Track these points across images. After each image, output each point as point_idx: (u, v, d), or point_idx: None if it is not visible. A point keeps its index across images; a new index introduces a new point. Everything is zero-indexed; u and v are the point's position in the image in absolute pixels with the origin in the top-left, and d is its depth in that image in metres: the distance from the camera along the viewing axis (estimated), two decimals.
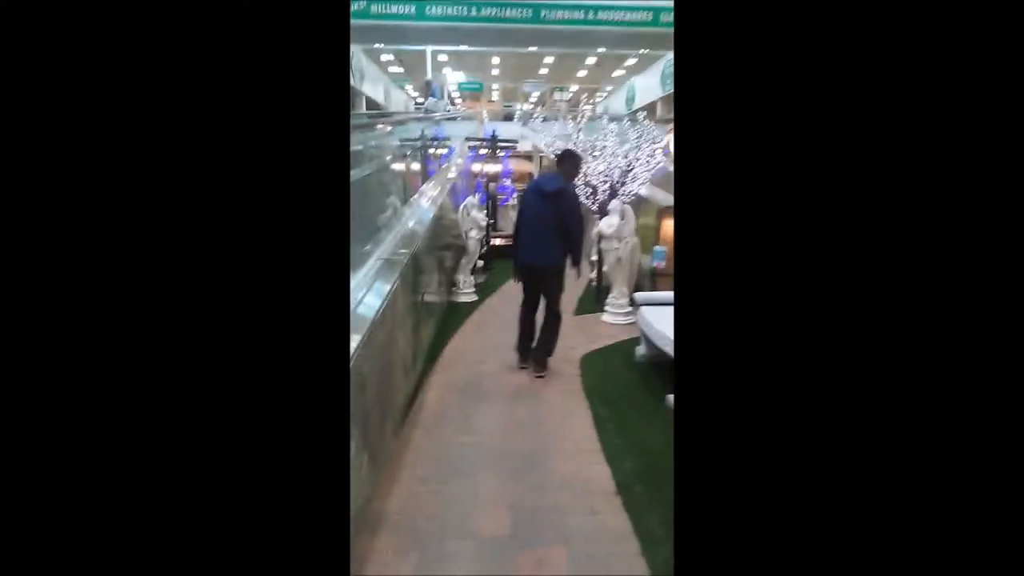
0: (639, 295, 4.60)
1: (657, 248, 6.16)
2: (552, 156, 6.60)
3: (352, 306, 2.27)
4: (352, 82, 13.62)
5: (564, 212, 3.85)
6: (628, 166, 5.92)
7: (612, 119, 6.90)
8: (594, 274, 6.24)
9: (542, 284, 3.96)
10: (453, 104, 20.06)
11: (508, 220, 7.84)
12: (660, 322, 3.72)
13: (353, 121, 3.87)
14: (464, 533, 2.25)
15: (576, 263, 3.99)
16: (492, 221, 7.66)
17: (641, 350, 4.22)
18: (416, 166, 6.35)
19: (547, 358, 4.01)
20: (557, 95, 22.18)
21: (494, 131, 8.03)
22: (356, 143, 3.49)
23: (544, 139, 7.24)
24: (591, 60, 20.10)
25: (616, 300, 5.33)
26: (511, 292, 4.80)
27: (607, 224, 5.36)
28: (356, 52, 14.57)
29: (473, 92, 23.19)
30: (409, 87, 22.50)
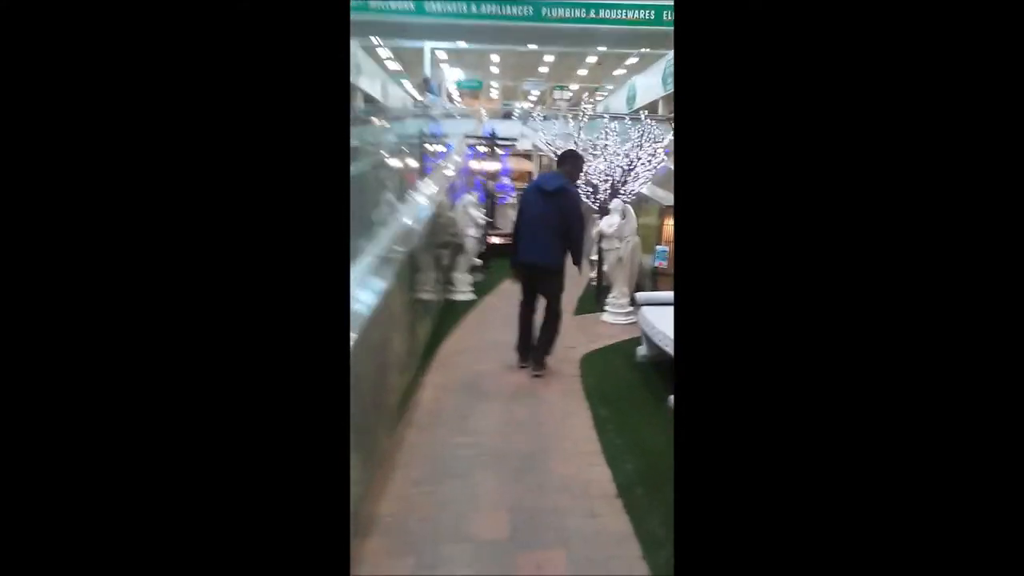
0: (640, 295, 4.58)
1: (659, 248, 6.12)
2: (552, 155, 6.54)
3: None
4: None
5: (565, 211, 3.84)
6: (630, 165, 5.88)
7: (614, 118, 6.85)
8: (594, 273, 6.21)
9: (541, 283, 3.95)
10: (452, 102, 20.05)
11: (507, 219, 7.79)
12: (662, 322, 3.69)
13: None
14: (461, 536, 2.21)
15: (577, 262, 3.98)
16: (490, 220, 7.63)
17: (642, 350, 4.20)
18: (413, 163, 6.33)
19: (546, 357, 3.99)
20: (557, 94, 22.12)
21: (493, 129, 8.00)
22: (352, 138, 3.44)
23: (544, 138, 7.18)
24: (592, 59, 20.07)
25: (616, 300, 5.33)
26: (509, 291, 4.76)
27: (608, 223, 5.36)
28: (353, 46, 14.49)
29: (472, 90, 23.20)
30: (407, 83, 22.48)
